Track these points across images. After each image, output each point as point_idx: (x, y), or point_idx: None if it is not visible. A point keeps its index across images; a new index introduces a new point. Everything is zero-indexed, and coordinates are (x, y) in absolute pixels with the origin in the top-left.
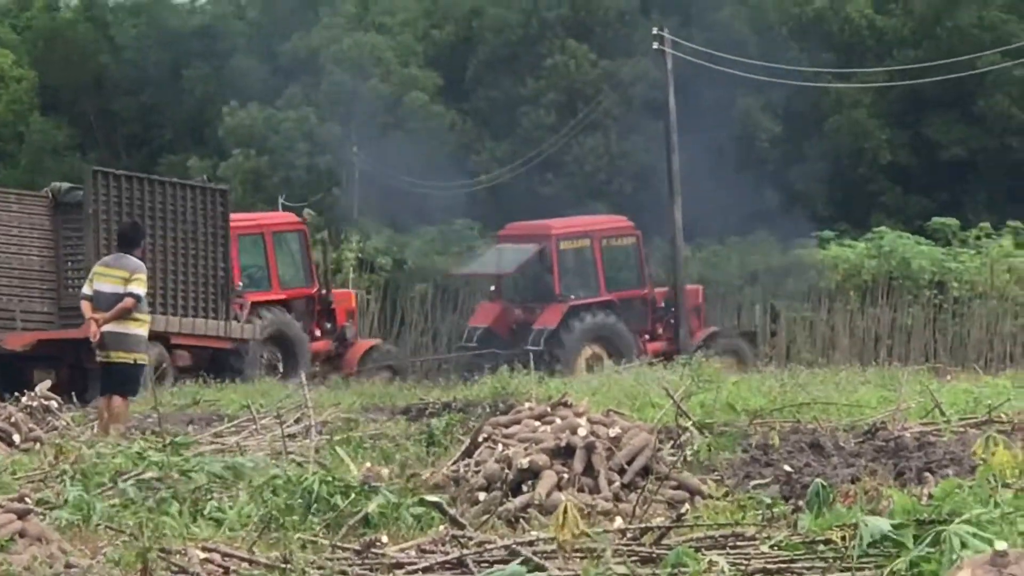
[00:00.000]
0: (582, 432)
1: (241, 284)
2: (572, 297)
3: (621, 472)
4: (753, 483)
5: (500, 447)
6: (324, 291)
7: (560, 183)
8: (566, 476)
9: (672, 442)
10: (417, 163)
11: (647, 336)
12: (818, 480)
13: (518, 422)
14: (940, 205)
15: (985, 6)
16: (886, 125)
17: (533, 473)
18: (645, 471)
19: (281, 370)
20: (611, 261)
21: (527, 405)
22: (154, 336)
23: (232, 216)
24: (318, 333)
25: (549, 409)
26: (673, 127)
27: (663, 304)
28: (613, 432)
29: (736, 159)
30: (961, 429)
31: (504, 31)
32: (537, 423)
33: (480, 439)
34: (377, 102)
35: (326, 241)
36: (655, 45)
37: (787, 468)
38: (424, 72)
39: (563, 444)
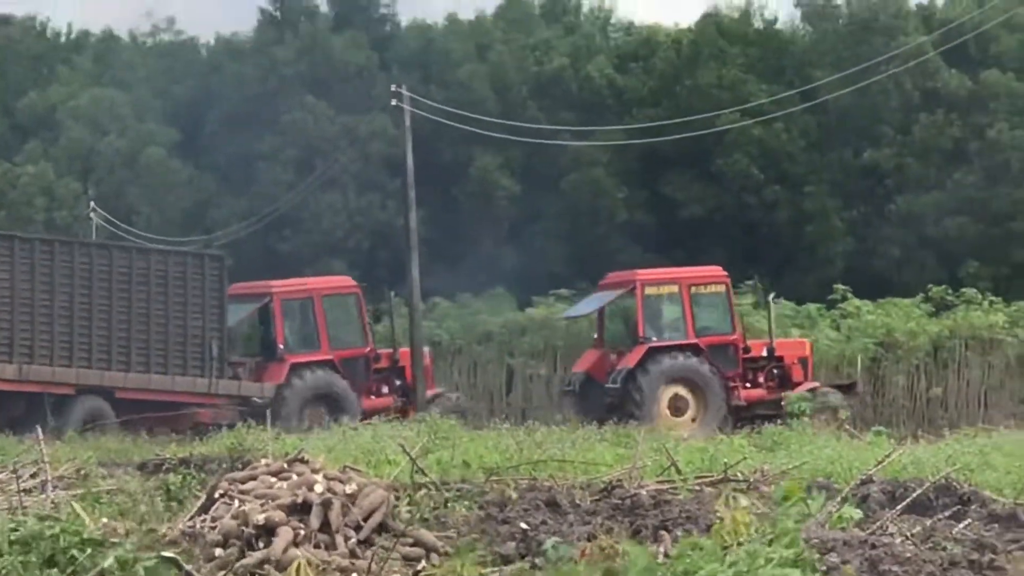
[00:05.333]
0: (319, 488)
1: (282, 347)
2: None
3: (358, 529)
4: (488, 536)
5: (237, 503)
6: (392, 350)
7: (297, 239)
8: (303, 532)
9: (409, 499)
10: (155, 218)
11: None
12: (555, 538)
13: (255, 478)
14: (678, 263)
15: (724, 66)
16: (624, 183)
17: (269, 529)
18: (382, 528)
19: (328, 426)
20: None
21: (264, 461)
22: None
23: (281, 281)
24: (385, 389)
25: (286, 465)
26: (411, 184)
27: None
28: (350, 488)
29: (474, 216)
30: (697, 487)
31: (242, 86)
32: (274, 479)
33: (217, 495)
34: (115, 157)
35: (392, 303)
36: (393, 102)
37: (523, 525)
38: (162, 127)
39: (300, 500)
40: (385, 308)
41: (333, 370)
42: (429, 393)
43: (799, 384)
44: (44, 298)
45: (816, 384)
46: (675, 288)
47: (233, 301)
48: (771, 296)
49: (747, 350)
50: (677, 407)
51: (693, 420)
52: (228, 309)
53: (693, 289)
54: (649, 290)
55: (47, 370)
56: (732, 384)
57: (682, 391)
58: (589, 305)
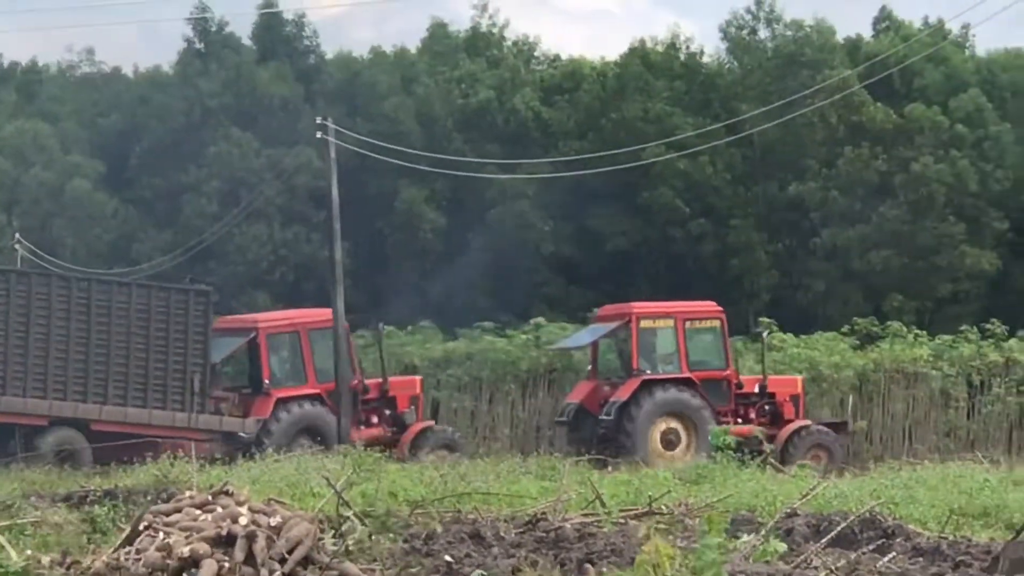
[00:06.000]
0: (243, 521)
1: (268, 381)
2: None
3: (282, 562)
4: (413, 568)
5: (161, 535)
6: (382, 380)
7: (223, 272)
8: (227, 565)
9: (334, 531)
10: (80, 250)
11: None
12: (479, 571)
13: (179, 510)
14: (603, 296)
15: (650, 99)
16: (550, 216)
17: (194, 562)
18: (306, 560)
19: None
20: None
21: (188, 493)
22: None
23: (266, 315)
24: (375, 420)
25: (210, 497)
26: (336, 216)
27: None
28: (274, 521)
29: (399, 249)
30: (622, 520)
31: (168, 119)
32: (198, 511)
33: (141, 527)
34: (40, 189)
35: (381, 333)
36: (319, 134)
37: (448, 558)
38: (87, 160)
39: (224, 533)
40: (373, 338)
41: (320, 403)
42: (419, 426)
43: (790, 421)
44: (19, 330)
45: (808, 422)
46: (670, 322)
47: (219, 335)
48: (764, 332)
49: (740, 386)
50: (669, 440)
51: (685, 454)
52: (214, 343)
53: (688, 323)
54: (644, 323)
55: (19, 401)
56: (724, 419)
57: (674, 424)
58: (583, 338)
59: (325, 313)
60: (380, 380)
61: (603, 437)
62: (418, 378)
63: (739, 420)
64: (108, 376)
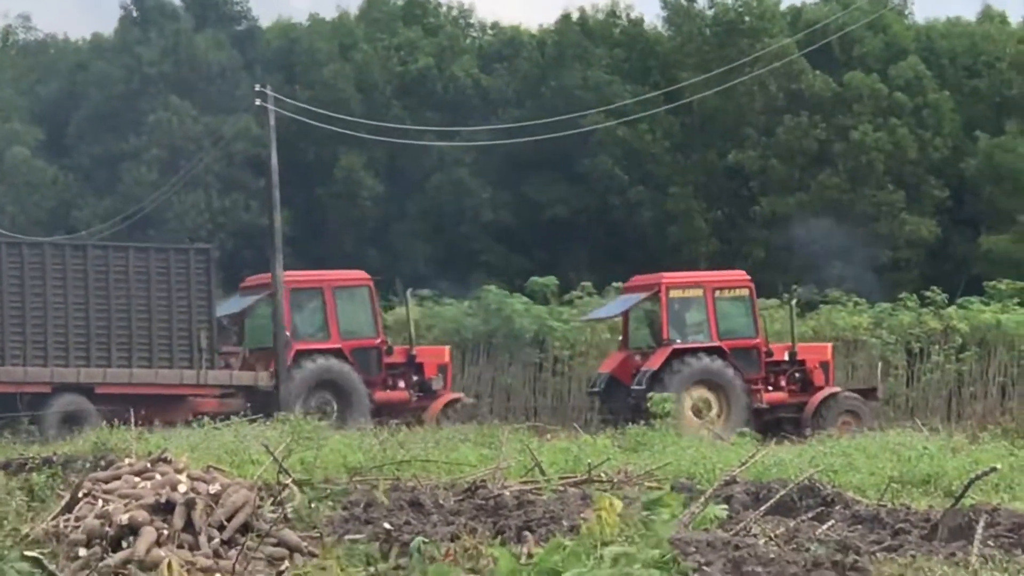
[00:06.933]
0: (182, 488)
1: (288, 334)
2: None
3: (221, 529)
4: (352, 536)
5: (100, 503)
6: (409, 346)
7: (161, 239)
8: (166, 532)
9: (273, 499)
10: (19, 218)
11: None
12: (419, 538)
13: (118, 478)
14: (541, 264)
15: (589, 67)
16: (489, 184)
17: (133, 529)
18: (245, 528)
19: (335, 415)
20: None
21: (127, 461)
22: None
23: (292, 272)
24: (401, 384)
25: (149, 465)
26: (275, 184)
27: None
28: (213, 489)
29: (338, 216)
30: (561, 488)
31: (107, 86)
32: (137, 479)
33: (80, 494)
34: None
35: (409, 298)
36: (257, 101)
37: (387, 525)
38: (27, 127)
39: (163, 500)
40: (401, 302)
41: (343, 359)
42: (449, 397)
43: (820, 388)
44: (14, 300)
45: (837, 388)
46: (699, 291)
47: (245, 292)
48: (792, 299)
49: (770, 354)
50: (700, 409)
51: (716, 423)
52: (239, 300)
53: (717, 292)
54: (673, 293)
55: (19, 370)
56: (754, 387)
57: (705, 393)
58: (615, 308)
59: (353, 273)
60: (407, 347)
61: (634, 407)
62: (447, 347)
63: (770, 388)
64: (111, 339)
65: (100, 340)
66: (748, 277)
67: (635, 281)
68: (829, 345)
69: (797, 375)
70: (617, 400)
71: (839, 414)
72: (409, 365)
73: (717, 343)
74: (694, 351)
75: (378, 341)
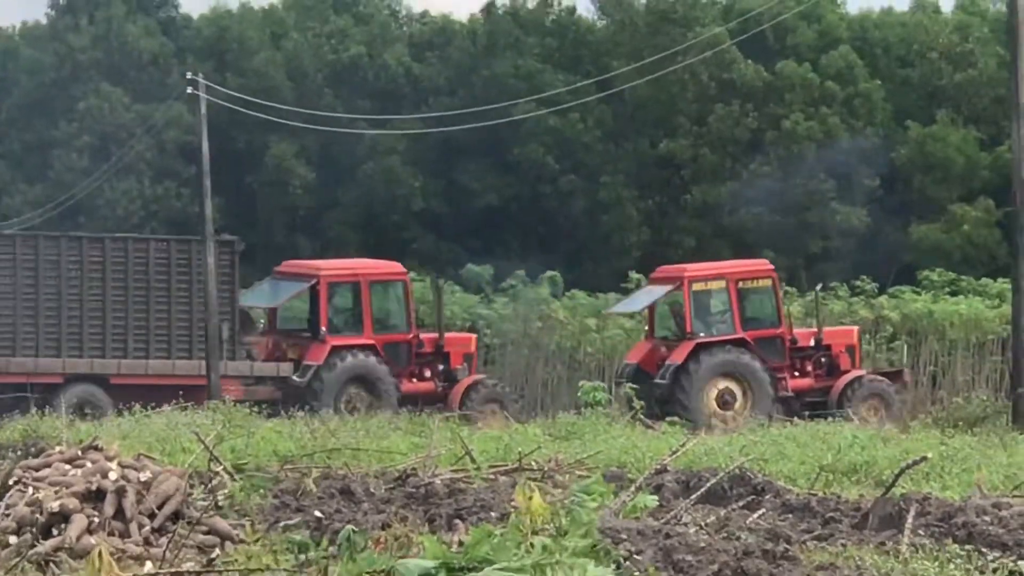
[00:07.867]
0: (113, 476)
1: (324, 328)
2: None
3: (152, 516)
4: (282, 524)
5: (31, 490)
6: (437, 335)
7: (92, 227)
8: (97, 520)
9: (204, 487)
10: None
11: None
12: (349, 526)
13: (49, 465)
14: (472, 252)
15: (521, 55)
16: (420, 172)
17: (64, 517)
18: (176, 516)
19: (363, 408)
20: None
21: (58, 448)
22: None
23: (329, 263)
24: (427, 374)
25: (80, 452)
26: (206, 172)
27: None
28: (144, 476)
29: (269, 205)
30: (492, 476)
31: (37, 73)
32: (68, 467)
33: (11, 482)
34: None
35: (440, 288)
36: (189, 90)
37: (317, 514)
38: None
39: (94, 488)
40: (430, 293)
41: (374, 355)
42: (468, 380)
43: (846, 372)
44: (28, 291)
45: (863, 372)
46: (722, 283)
47: (279, 279)
48: (818, 286)
49: (794, 341)
50: (725, 401)
51: (741, 413)
52: (273, 287)
53: (740, 283)
54: (696, 285)
55: (31, 361)
56: (780, 376)
57: (730, 385)
58: (639, 302)
59: (388, 265)
60: (435, 335)
61: (660, 399)
62: (473, 336)
63: (796, 374)
64: (127, 330)
65: (117, 331)
66: (771, 267)
67: (659, 273)
68: (855, 328)
69: (823, 360)
70: (643, 391)
71: (865, 398)
72: (436, 355)
73: (741, 335)
74: (718, 344)
75: (410, 336)
